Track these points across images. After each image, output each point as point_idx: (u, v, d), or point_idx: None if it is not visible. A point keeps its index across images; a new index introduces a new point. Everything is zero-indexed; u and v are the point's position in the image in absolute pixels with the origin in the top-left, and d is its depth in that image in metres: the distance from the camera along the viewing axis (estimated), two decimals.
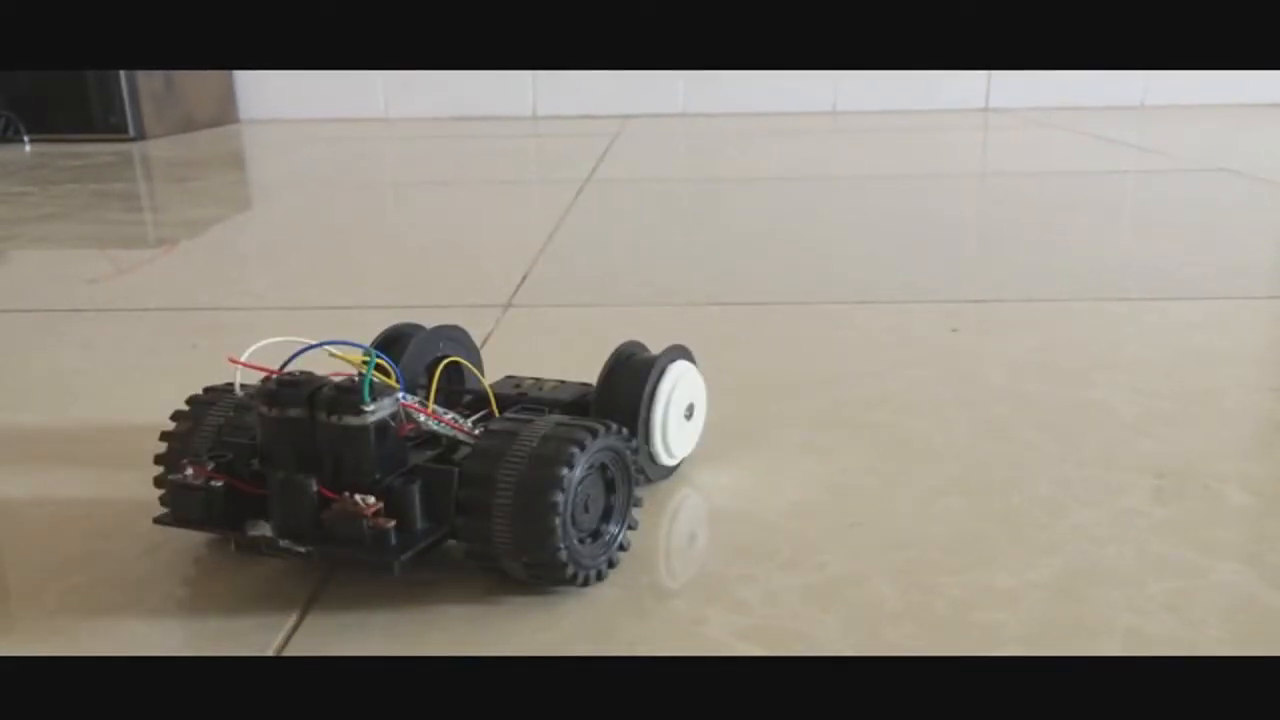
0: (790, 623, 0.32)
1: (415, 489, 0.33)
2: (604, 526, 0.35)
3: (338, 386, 0.34)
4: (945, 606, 0.33)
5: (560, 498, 0.33)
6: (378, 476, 0.33)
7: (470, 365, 0.43)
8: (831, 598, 0.34)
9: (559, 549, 0.33)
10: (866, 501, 0.41)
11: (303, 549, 0.33)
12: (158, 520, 0.34)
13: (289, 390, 0.34)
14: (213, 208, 1.14)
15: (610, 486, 0.36)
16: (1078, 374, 0.54)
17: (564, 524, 0.33)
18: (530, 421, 0.35)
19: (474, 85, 2.08)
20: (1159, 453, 0.44)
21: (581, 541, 0.34)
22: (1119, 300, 0.69)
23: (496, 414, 0.40)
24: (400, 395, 0.34)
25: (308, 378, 0.34)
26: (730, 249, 0.87)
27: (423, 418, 0.35)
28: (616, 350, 0.42)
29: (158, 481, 0.37)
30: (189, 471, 0.34)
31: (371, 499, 0.32)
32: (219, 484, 0.34)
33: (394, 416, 0.34)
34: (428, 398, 0.36)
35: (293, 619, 0.33)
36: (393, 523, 0.32)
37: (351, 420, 0.33)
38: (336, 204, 1.15)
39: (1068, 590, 0.34)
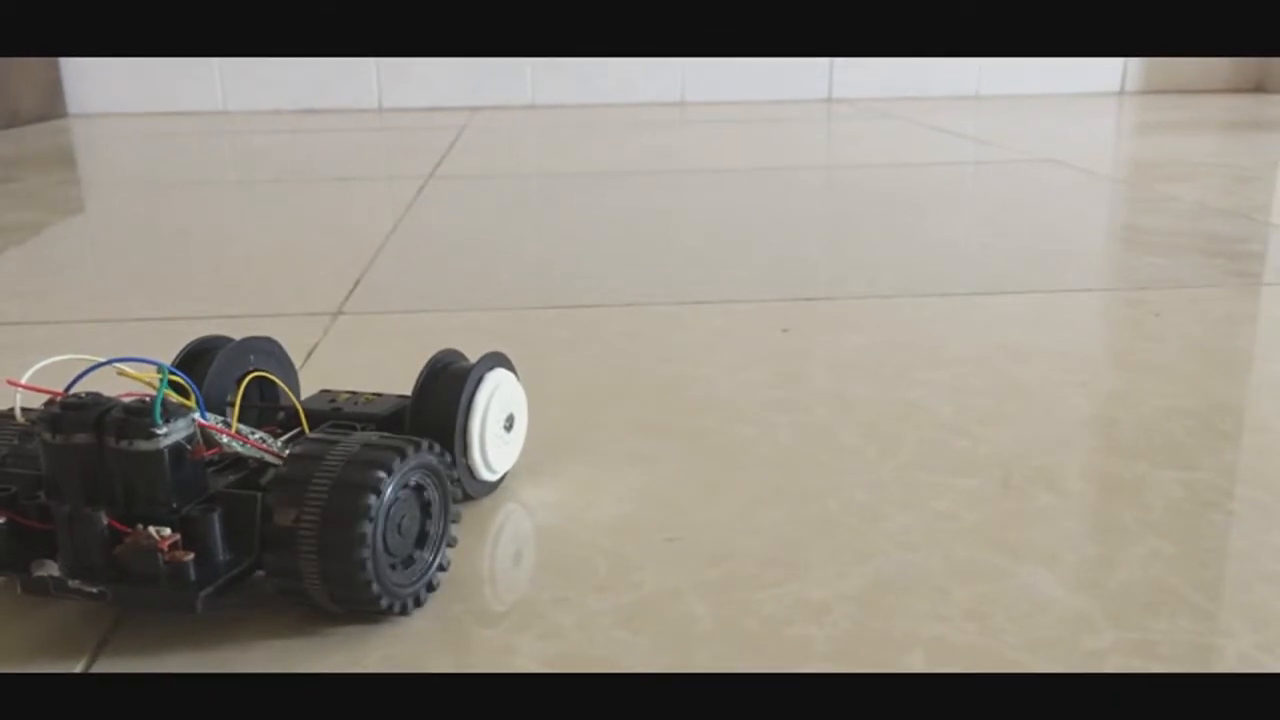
0: (600, 648, 0.32)
1: (215, 518, 0.32)
2: (420, 549, 0.34)
3: (126, 408, 0.32)
4: (757, 623, 0.33)
5: (369, 528, 0.31)
6: (174, 506, 0.31)
7: (278, 380, 0.42)
8: (644, 619, 0.34)
9: (369, 582, 0.32)
10: (686, 514, 0.41)
11: (94, 589, 0.31)
12: None
13: (73, 414, 0.31)
14: (35, 211, 1.09)
15: (427, 506, 0.35)
16: (900, 373, 0.56)
17: (374, 554, 0.32)
18: (336, 442, 0.34)
19: (317, 76, 2.03)
20: (972, 453, 0.46)
21: (395, 568, 0.33)
22: (944, 296, 0.70)
23: (308, 432, 0.39)
24: (196, 415, 0.33)
25: (95, 399, 0.32)
26: (571, 248, 0.87)
27: (225, 439, 0.34)
28: (431, 360, 0.41)
29: None
30: None
31: (167, 530, 0.31)
32: (0, 520, 0.32)
33: (190, 439, 0.32)
34: (232, 416, 0.35)
35: (79, 667, 0.32)
36: (191, 555, 0.31)
37: (142, 445, 0.31)
38: (167, 205, 1.11)
39: (877, 601, 0.34)
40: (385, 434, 0.35)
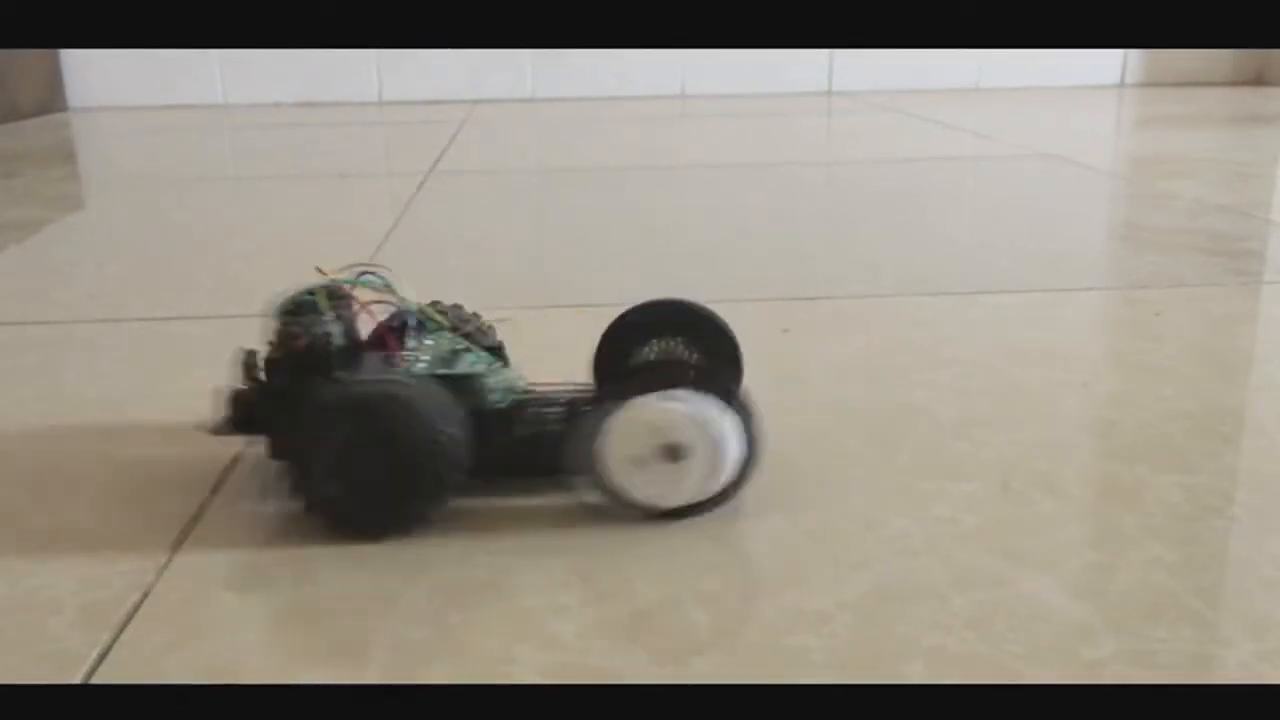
0: (598, 658, 0.32)
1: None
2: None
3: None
4: (756, 633, 0.33)
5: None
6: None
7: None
8: (643, 628, 0.33)
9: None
10: (683, 522, 0.40)
11: None
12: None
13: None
14: (35, 207, 1.08)
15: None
16: (900, 374, 0.55)
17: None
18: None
19: (316, 68, 2.02)
20: (973, 456, 0.45)
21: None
22: (944, 295, 0.70)
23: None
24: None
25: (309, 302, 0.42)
26: (571, 245, 0.87)
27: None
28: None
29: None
30: None
31: None
32: None
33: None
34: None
35: (79, 677, 0.32)
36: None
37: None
38: (166, 202, 1.11)
39: (876, 609, 0.34)
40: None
